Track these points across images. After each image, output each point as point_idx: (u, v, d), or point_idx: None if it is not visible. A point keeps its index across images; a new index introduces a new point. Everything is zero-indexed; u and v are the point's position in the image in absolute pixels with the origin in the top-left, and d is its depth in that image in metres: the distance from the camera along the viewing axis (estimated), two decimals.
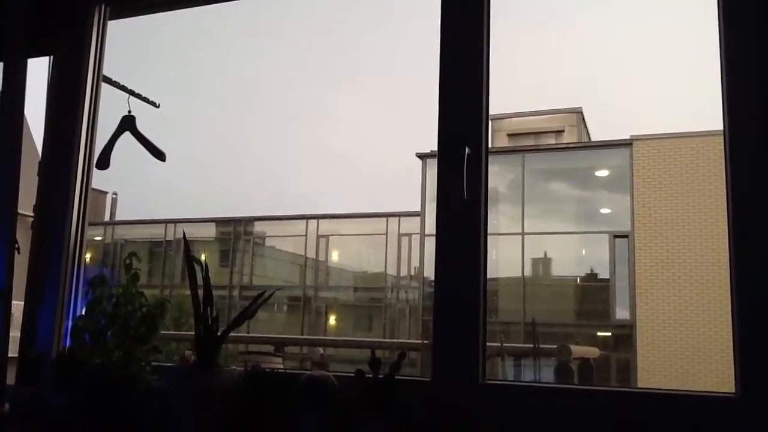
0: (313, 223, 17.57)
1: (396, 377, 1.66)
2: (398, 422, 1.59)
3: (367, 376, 1.68)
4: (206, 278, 1.82)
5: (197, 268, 1.85)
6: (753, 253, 1.50)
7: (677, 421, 1.50)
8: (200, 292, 1.81)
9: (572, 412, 1.58)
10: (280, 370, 1.86)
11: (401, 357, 1.70)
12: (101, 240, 18.49)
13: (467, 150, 1.76)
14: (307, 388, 1.71)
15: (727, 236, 1.56)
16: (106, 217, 19.13)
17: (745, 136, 1.55)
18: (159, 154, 2.50)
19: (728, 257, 1.54)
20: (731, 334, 1.51)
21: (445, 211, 1.79)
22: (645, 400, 1.57)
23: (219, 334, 1.79)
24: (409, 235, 16.47)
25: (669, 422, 1.50)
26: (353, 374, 1.70)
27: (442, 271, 1.77)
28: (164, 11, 2.50)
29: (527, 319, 13.25)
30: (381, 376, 1.66)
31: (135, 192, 21.70)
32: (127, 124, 2.45)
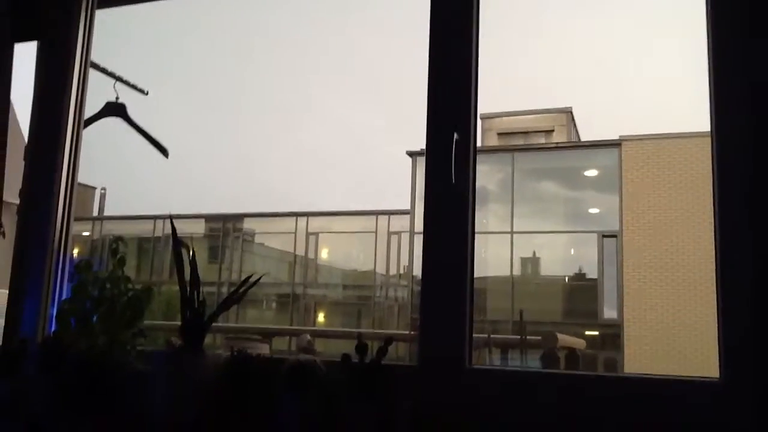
0: (302, 220, 17.54)
1: (382, 363, 1.66)
2: (384, 407, 1.59)
3: (353, 361, 1.67)
4: (193, 263, 1.82)
5: (184, 252, 1.84)
6: (737, 249, 1.52)
7: (664, 403, 1.52)
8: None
9: (558, 396, 1.59)
10: (266, 355, 1.85)
11: (388, 342, 1.70)
12: (89, 235, 18.37)
13: (456, 136, 1.76)
14: (294, 372, 1.70)
15: (713, 235, 1.57)
16: (95, 213, 19.02)
17: (732, 138, 1.56)
18: (162, 150, 2.48)
19: (714, 254, 1.56)
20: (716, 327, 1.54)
21: (432, 197, 1.79)
22: (632, 385, 1.59)
23: (205, 319, 1.78)
24: (399, 233, 16.48)
25: (656, 405, 1.52)
26: (339, 360, 1.70)
27: (430, 257, 1.77)
28: (152, 1, 2.48)
29: (515, 318, 13.28)
30: (367, 361, 1.66)
31: (124, 188, 21.59)
32: (113, 110, 2.42)
